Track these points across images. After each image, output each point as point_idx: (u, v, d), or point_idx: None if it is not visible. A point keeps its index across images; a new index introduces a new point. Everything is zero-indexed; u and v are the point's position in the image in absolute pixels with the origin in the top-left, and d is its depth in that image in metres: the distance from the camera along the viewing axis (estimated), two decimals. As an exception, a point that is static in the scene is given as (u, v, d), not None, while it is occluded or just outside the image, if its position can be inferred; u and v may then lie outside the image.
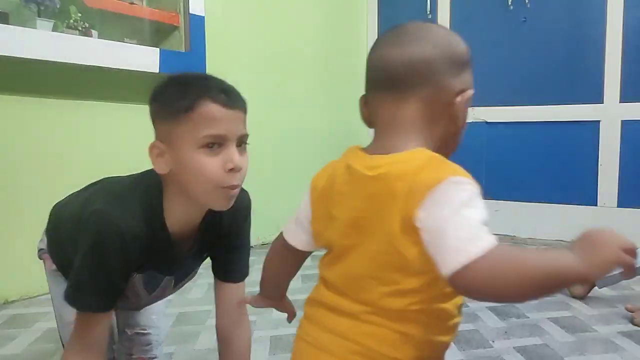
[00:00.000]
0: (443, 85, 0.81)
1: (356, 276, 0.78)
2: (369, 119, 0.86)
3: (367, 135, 0.89)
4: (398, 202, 0.71)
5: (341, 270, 0.81)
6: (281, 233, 0.96)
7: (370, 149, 0.82)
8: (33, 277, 2.22)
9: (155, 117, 1.04)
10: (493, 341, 1.77)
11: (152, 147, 1.03)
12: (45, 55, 2.08)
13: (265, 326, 1.90)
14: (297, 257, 0.97)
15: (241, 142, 1.02)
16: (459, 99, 0.82)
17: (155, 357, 1.39)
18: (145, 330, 1.40)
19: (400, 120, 0.80)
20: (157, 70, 2.45)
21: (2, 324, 1.94)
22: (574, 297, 2.23)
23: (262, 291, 1.05)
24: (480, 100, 3.58)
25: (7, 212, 2.15)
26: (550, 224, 3.36)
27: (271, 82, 3.30)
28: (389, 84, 0.81)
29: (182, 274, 1.24)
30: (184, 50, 2.60)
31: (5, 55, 1.98)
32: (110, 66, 2.30)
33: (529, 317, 2.00)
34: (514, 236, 3.42)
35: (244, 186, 1.08)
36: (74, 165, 2.36)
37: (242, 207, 1.16)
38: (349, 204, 0.79)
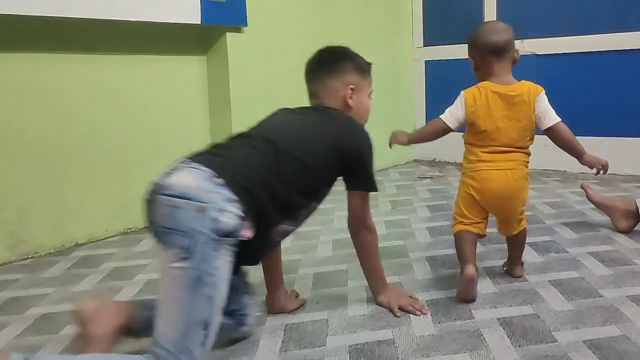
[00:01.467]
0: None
1: (512, 138, 1.63)
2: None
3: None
4: (529, 103, 1.64)
5: (500, 137, 1.63)
6: (439, 118, 1.72)
7: (499, 83, 1.65)
8: (98, 222, 2.44)
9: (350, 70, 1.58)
10: (528, 275, 1.82)
11: (349, 89, 1.55)
12: (92, 13, 2.18)
13: (310, 264, 2.02)
14: (444, 132, 1.73)
15: None
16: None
17: None
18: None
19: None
20: (199, 22, 2.52)
21: (73, 264, 2.15)
22: (619, 231, 2.22)
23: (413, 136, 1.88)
24: (528, 32, 3.48)
25: (83, 162, 2.34)
26: (605, 157, 3.28)
27: (312, 32, 3.29)
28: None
29: None
30: (224, 0, 2.64)
31: (60, 17, 2.11)
32: (154, 20, 2.38)
33: (568, 252, 2.03)
34: (565, 171, 3.37)
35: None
36: (129, 116, 2.51)
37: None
38: (502, 108, 1.63)
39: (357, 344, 1.42)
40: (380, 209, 2.78)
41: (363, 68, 1.61)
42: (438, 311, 1.58)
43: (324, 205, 2.80)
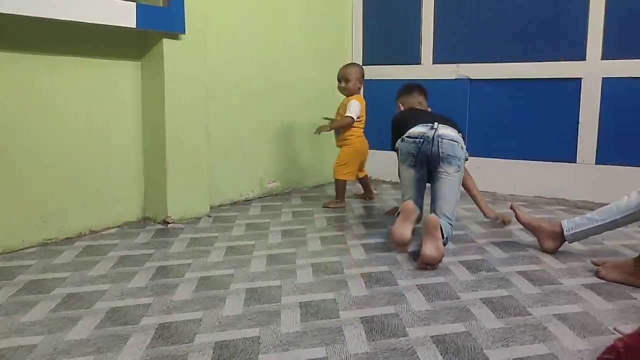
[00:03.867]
0: None
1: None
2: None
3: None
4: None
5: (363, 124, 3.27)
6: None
7: None
8: (14, 232, 2.26)
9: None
10: (460, 293, 1.83)
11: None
12: (22, 10, 2.05)
13: (243, 279, 1.96)
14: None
15: None
16: None
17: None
18: None
19: None
20: (135, 25, 2.42)
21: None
22: (546, 251, 2.29)
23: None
24: (464, 57, 3.60)
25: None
26: (531, 181, 3.42)
27: (253, 44, 3.27)
28: None
29: None
30: (161, 5, 2.56)
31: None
32: (87, 21, 2.26)
33: (498, 271, 2.07)
34: (495, 193, 3.48)
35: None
36: (54, 121, 2.37)
37: None
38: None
39: (289, 363, 1.37)
40: (316, 225, 2.76)
41: None
42: (372, 328, 1.56)
43: (259, 220, 2.75)
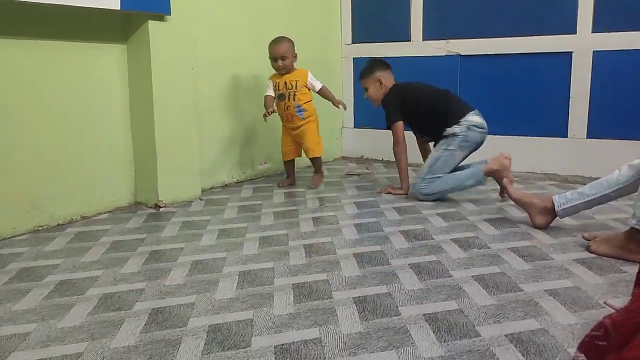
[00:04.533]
0: None
1: None
2: None
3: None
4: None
5: None
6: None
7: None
8: (4, 219, 2.25)
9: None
10: (452, 271, 1.85)
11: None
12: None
13: (235, 262, 1.96)
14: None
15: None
16: None
17: None
18: None
19: None
20: (119, 7, 2.38)
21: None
22: (537, 227, 2.30)
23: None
24: (454, 33, 3.57)
25: None
26: (522, 157, 3.42)
27: (240, 25, 3.22)
28: None
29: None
30: (146, -14, 2.51)
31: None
32: (70, 4, 2.22)
33: (490, 248, 2.08)
34: (486, 169, 3.47)
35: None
36: (42, 107, 2.34)
37: None
38: None
39: (283, 344, 1.38)
40: (308, 205, 2.75)
41: None
42: (365, 308, 1.57)
43: (251, 202, 2.73)
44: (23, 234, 2.31)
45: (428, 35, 3.69)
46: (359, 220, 2.48)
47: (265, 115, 2.96)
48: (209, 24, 3.00)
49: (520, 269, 1.86)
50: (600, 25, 3.09)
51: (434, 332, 1.42)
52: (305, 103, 3.03)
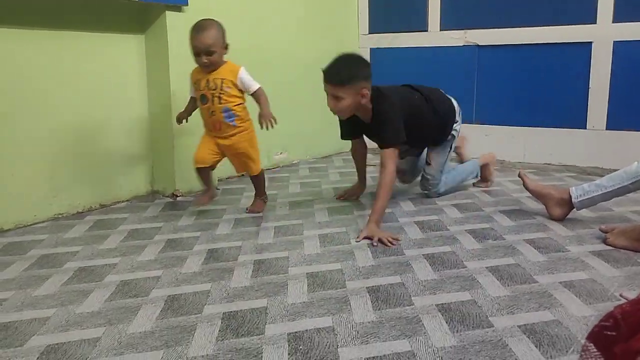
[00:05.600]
0: None
1: None
2: None
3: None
4: None
5: None
6: None
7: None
8: (25, 207, 2.30)
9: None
10: (466, 262, 1.84)
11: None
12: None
13: (251, 251, 1.98)
14: None
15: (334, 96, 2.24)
16: None
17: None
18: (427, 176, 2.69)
19: None
20: (137, -2, 2.40)
21: (-2, 252, 2.03)
22: (553, 219, 2.29)
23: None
24: (472, 23, 3.54)
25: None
26: (540, 148, 3.39)
27: (256, 15, 3.23)
28: None
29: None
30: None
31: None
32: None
33: (505, 239, 2.07)
34: (504, 160, 3.45)
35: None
36: (61, 97, 2.37)
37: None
38: None
39: (296, 332, 1.39)
40: (324, 196, 2.77)
41: None
42: (378, 298, 1.58)
43: (267, 192, 2.76)
44: (43, 222, 2.35)
45: (445, 25, 3.66)
46: (373, 210, 2.48)
47: (178, 120, 2.44)
48: (226, 14, 2.99)
49: (535, 260, 1.85)
50: (621, 15, 3.04)
51: (446, 322, 1.42)
52: (236, 105, 2.30)
